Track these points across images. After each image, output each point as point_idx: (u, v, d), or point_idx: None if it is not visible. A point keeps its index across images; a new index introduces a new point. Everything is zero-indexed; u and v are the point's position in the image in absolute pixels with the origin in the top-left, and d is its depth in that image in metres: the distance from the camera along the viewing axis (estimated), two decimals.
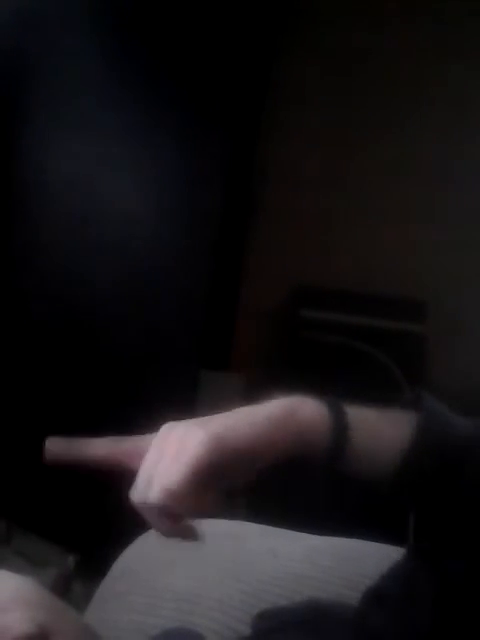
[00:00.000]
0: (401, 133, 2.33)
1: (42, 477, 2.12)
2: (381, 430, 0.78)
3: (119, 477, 0.79)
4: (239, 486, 0.74)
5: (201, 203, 2.28)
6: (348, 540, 1.15)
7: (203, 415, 0.74)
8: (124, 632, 1.01)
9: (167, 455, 0.73)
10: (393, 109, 2.33)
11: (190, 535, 0.74)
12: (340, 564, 1.09)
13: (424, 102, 2.31)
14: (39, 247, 2.12)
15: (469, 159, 2.31)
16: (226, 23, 2.18)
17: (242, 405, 0.75)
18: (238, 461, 0.72)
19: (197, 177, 2.24)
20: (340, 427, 0.76)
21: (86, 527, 2.04)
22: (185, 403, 2.27)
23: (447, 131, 2.31)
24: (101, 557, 1.20)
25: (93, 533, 1.99)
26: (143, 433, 0.82)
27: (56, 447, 0.84)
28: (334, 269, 2.38)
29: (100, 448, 0.82)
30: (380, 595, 0.82)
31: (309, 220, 2.40)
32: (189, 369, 2.30)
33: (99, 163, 2.10)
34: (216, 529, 1.08)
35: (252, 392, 2.53)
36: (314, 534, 1.18)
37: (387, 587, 0.82)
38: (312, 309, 2.30)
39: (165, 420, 0.76)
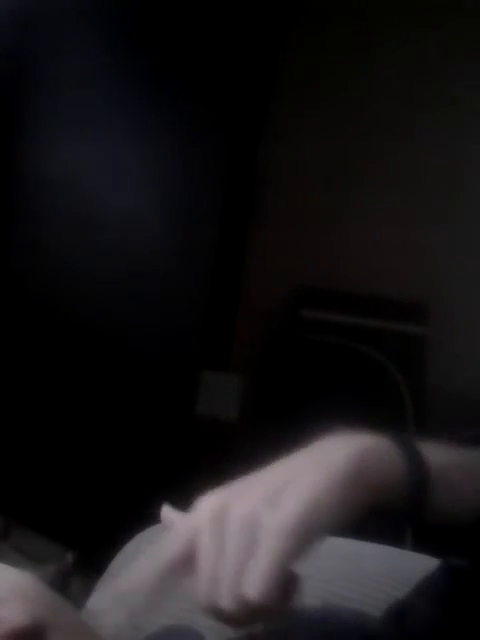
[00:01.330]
0: (403, 134, 2.33)
1: (41, 473, 2.12)
2: (467, 476, 0.67)
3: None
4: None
5: (202, 203, 2.27)
6: (347, 540, 1.15)
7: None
8: (122, 629, 1.01)
9: (235, 548, 0.59)
10: (395, 110, 2.33)
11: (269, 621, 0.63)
12: (340, 564, 1.08)
13: (426, 104, 2.31)
14: (39, 246, 2.12)
15: (470, 161, 2.31)
16: (229, 23, 2.18)
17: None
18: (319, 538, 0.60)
19: (198, 177, 2.24)
20: (419, 480, 0.64)
21: (85, 524, 2.04)
22: (185, 403, 2.27)
23: (449, 132, 2.31)
24: (100, 554, 1.20)
25: (92, 530, 1.99)
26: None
27: None
28: (335, 270, 2.38)
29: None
30: (405, 612, 0.78)
31: (310, 221, 2.39)
32: (189, 369, 2.30)
33: (100, 163, 2.10)
34: None
35: (252, 392, 2.54)
36: None
37: (414, 605, 0.77)
38: (313, 310, 2.29)
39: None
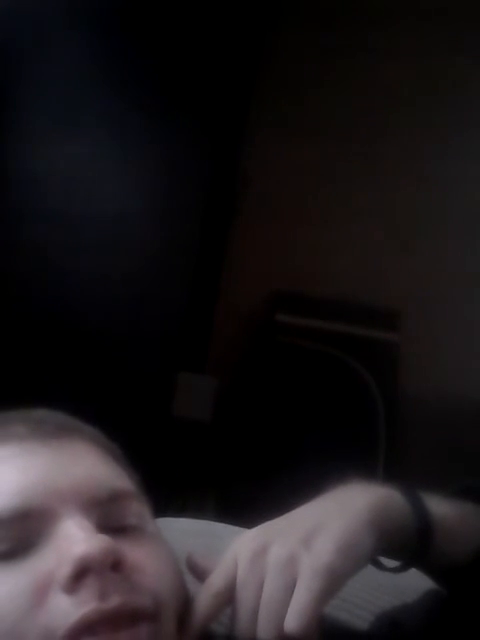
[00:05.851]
0: (381, 139, 2.35)
1: None
2: (462, 525, 0.73)
3: None
4: None
5: (182, 206, 2.29)
6: None
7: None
8: None
9: (276, 585, 0.64)
10: (389, 111, 2.34)
11: None
12: None
13: (421, 104, 2.33)
14: (19, 244, 2.13)
15: (449, 169, 2.33)
16: (211, 23, 2.19)
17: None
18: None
19: (179, 179, 2.25)
20: (425, 528, 0.70)
21: None
22: (162, 403, 2.29)
23: (433, 138, 2.32)
24: None
25: None
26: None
27: None
28: (311, 276, 2.40)
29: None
30: (397, 623, 0.80)
31: (287, 226, 2.41)
32: (166, 370, 2.32)
33: (81, 163, 2.11)
34: (188, 527, 1.08)
35: (227, 395, 2.55)
36: None
37: (405, 619, 0.80)
38: (288, 314, 2.32)
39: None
